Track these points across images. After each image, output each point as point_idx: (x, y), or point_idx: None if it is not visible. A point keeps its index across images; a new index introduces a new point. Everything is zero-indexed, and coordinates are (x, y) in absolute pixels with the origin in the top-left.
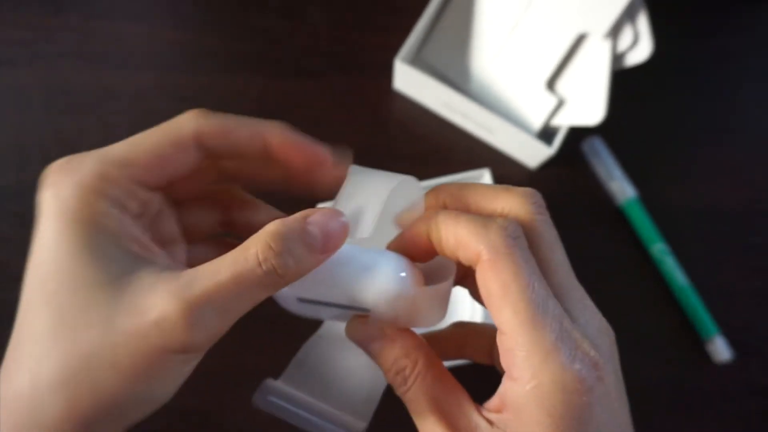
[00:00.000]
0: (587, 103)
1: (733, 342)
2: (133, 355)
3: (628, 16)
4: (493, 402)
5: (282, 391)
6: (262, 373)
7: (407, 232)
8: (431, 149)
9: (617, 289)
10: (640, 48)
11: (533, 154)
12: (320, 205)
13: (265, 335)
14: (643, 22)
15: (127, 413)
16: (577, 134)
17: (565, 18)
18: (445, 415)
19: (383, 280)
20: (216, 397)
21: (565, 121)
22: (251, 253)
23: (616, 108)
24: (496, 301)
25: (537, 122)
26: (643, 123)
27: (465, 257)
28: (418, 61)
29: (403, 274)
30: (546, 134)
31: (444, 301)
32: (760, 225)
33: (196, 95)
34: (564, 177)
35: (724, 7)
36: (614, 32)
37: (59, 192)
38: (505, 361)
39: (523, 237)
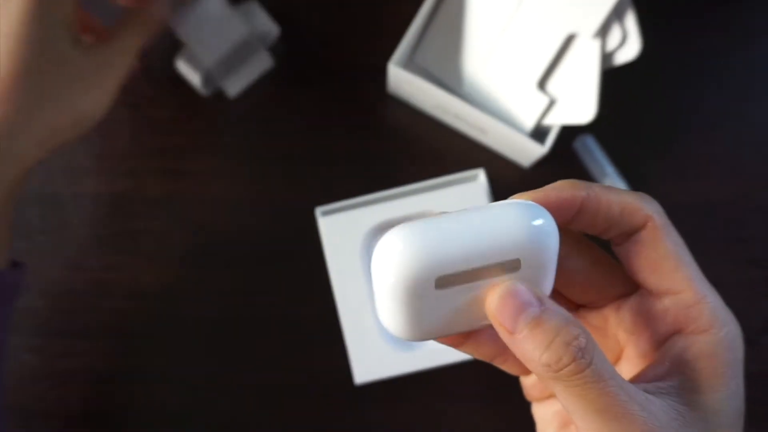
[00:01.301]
0: (578, 102)
1: None
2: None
3: (616, 15)
4: (652, 372)
5: None
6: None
7: (552, 193)
8: (425, 151)
9: None
10: (628, 47)
11: (526, 153)
12: None
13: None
14: (631, 21)
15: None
16: (569, 133)
17: (555, 19)
18: (634, 398)
19: (537, 222)
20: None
21: (556, 120)
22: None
23: (607, 106)
24: (670, 261)
25: (529, 122)
26: (633, 120)
27: (630, 223)
28: (411, 64)
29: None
30: (538, 134)
31: None
32: (751, 219)
33: (195, 105)
34: (557, 175)
35: (711, 5)
36: (603, 32)
37: None
38: (681, 317)
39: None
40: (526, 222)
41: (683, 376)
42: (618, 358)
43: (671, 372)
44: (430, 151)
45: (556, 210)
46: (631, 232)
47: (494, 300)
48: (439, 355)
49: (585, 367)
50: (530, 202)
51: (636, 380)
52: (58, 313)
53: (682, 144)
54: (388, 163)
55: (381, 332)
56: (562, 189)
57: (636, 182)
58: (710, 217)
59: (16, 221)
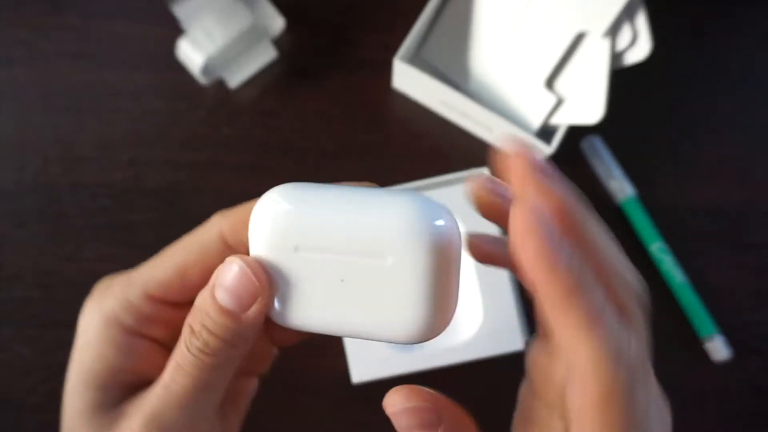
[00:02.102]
0: (586, 102)
1: (732, 341)
2: None
3: (626, 14)
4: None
5: None
6: None
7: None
8: (430, 148)
9: None
10: (638, 47)
11: None
12: None
13: None
14: (641, 21)
15: None
16: (576, 133)
17: (564, 17)
18: None
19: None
20: None
21: (564, 119)
22: (181, 339)
23: (615, 107)
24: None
25: (536, 121)
26: (642, 122)
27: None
28: (417, 59)
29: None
30: (545, 133)
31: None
32: (759, 224)
33: (195, 95)
34: (563, 176)
35: (723, 6)
36: (613, 31)
37: (85, 322)
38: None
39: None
40: (419, 220)
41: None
42: None
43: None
44: (435, 148)
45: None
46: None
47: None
48: (437, 356)
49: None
50: (431, 199)
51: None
52: (53, 304)
53: (691, 147)
54: (392, 159)
55: None
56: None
57: (643, 185)
58: (718, 222)
59: (13, 210)
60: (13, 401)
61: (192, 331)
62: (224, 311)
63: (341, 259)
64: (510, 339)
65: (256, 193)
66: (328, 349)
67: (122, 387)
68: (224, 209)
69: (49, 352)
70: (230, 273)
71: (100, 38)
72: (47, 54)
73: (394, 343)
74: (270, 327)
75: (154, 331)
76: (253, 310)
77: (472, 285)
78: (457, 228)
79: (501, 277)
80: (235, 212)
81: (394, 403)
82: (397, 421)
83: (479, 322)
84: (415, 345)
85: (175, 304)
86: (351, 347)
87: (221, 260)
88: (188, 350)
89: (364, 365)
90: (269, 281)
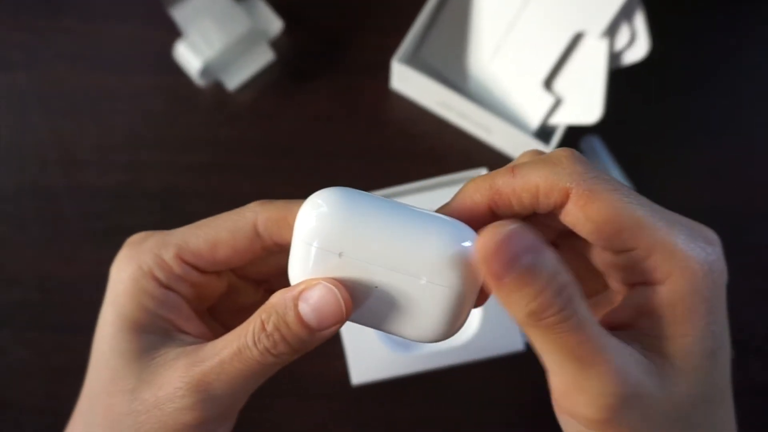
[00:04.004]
0: (584, 102)
1: (733, 341)
2: (153, 423)
3: (624, 15)
4: (615, 318)
5: None
6: None
7: (461, 202)
8: (429, 149)
9: None
10: (637, 47)
11: None
12: None
13: None
14: (640, 21)
15: None
16: (574, 133)
17: (562, 17)
18: (608, 345)
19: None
20: None
21: (562, 120)
22: (250, 329)
23: (613, 107)
24: (609, 227)
25: (534, 121)
26: (640, 122)
27: (551, 204)
28: (415, 60)
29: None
30: (544, 133)
31: None
32: (758, 225)
33: (193, 97)
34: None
35: (721, 6)
36: (611, 31)
37: (120, 272)
38: (639, 271)
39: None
40: (451, 247)
41: (645, 326)
42: (598, 290)
43: (634, 320)
44: (433, 149)
45: (469, 220)
46: (559, 208)
47: (489, 243)
48: (436, 357)
49: (569, 317)
50: (460, 223)
51: (611, 321)
52: (52, 307)
53: (689, 147)
54: (390, 160)
55: (379, 334)
56: (464, 198)
57: (641, 184)
58: (716, 222)
59: (12, 213)
60: (12, 404)
61: (263, 328)
62: (304, 325)
63: (380, 270)
64: (510, 339)
65: (255, 194)
66: (328, 351)
67: (159, 333)
68: (264, 200)
69: (48, 355)
70: (318, 291)
71: (98, 41)
72: (46, 57)
73: (409, 340)
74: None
75: (182, 288)
76: (331, 330)
77: None
78: None
79: None
80: (273, 206)
81: (484, 243)
82: (496, 262)
83: (479, 322)
84: (414, 345)
85: (202, 271)
86: (351, 349)
87: (250, 246)
88: (255, 345)
89: (363, 367)
90: (351, 307)
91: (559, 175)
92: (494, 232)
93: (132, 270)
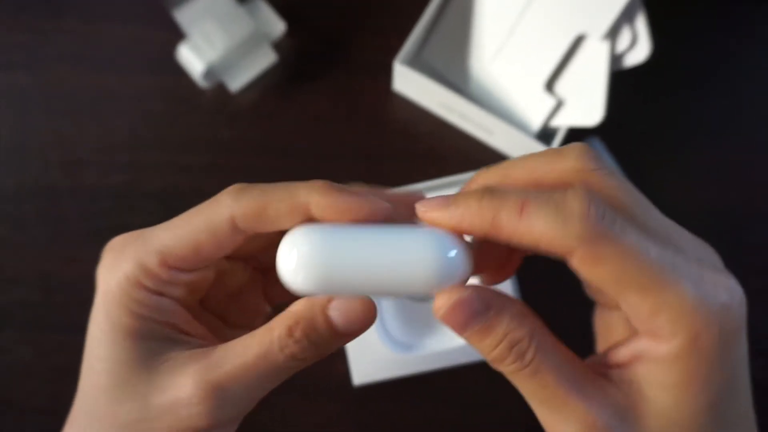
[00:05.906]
0: (586, 104)
1: None
2: (166, 428)
3: (626, 17)
4: (618, 355)
5: None
6: None
7: (458, 226)
8: (430, 150)
9: None
10: (638, 49)
11: None
12: None
13: None
14: (641, 23)
15: None
16: (576, 135)
17: (564, 19)
18: (575, 389)
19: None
20: None
21: (564, 122)
22: (275, 335)
23: (615, 109)
24: (613, 288)
25: (536, 123)
26: (641, 124)
27: (550, 251)
28: (417, 62)
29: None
30: (545, 135)
31: None
32: (758, 225)
33: (194, 98)
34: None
35: (722, 8)
36: (612, 33)
37: (107, 282)
38: (644, 325)
39: (604, 203)
40: (438, 258)
41: (640, 371)
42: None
43: (631, 362)
44: (434, 150)
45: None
46: (563, 257)
47: (443, 307)
48: (437, 358)
49: (524, 366)
50: (444, 234)
51: (605, 352)
52: (54, 307)
53: (690, 148)
54: (391, 161)
55: (380, 334)
56: (462, 220)
57: (642, 186)
58: (716, 223)
59: (13, 213)
60: (14, 404)
61: (291, 334)
62: (334, 329)
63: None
64: None
65: None
66: None
67: (160, 339)
68: (237, 187)
69: (49, 355)
70: (362, 309)
71: (100, 42)
72: (47, 58)
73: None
74: (266, 285)
75: (173, 291)
76: (359, 334)
77: None
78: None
79: None
80: (247, 199)
81: (440, 306)
82: (451, 323)
83: None
84: (416, 346)
85: (189, 270)
86: (352, 350)
87: (232, 239)
88: (281, 350)
89: (365, 367)
90: (376, 308)
91: (566, 229)
92: (450, 295)
93: (118, 279)
